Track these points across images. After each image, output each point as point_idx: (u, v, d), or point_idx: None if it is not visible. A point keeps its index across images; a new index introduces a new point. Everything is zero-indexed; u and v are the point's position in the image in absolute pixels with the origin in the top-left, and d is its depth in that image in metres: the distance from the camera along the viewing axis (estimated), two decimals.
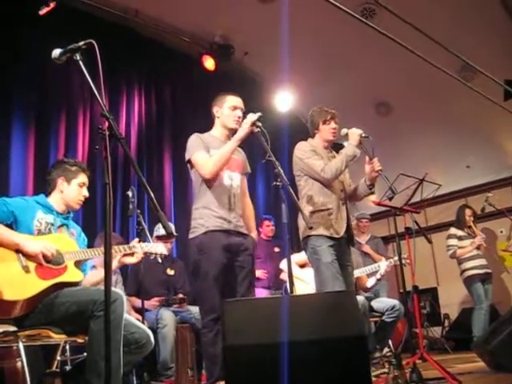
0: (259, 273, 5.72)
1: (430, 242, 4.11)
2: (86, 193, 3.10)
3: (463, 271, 6.16)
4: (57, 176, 3.05)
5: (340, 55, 6.92)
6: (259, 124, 3.18)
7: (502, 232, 7.93)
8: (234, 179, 3.48)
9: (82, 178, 3.09)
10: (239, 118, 3.44)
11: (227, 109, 3.49)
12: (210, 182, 3.40)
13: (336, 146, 3.97)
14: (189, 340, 4.73)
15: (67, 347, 3.98)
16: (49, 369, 3.64)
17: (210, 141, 3.48)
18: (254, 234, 3.59)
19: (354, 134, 3.65)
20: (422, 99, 7.32)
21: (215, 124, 3.60)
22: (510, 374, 3.60)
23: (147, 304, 4.57)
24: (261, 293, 5.68)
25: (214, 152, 3.39)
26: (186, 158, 3.47)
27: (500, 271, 7.62)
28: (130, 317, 2.88)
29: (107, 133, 2.04)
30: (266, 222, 6.26)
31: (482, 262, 6.13)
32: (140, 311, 4.40)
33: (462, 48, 5.81)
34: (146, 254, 3.18)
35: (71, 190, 3.04)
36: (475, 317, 5.96)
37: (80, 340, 2.84)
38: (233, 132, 3.43)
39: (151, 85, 6.74)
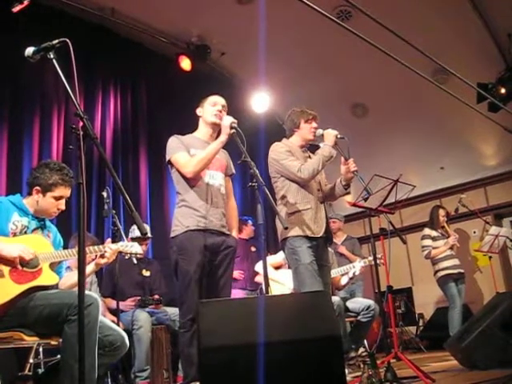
0: (236, 273, 5.69)
1: (404, 242, 4.15)
2: (62, 206, 2.96)
3: (437, 271, 6.23)
4: (34, 184, 2.90)
5: (316, 57, 6.96)
6: (235, 125, 3.21)
7: (474, 233, 8.06)
8: (216, 179, 3.50)
9: (60, 191, 2.92)
10: (219, 111, 3.49)
11: (208, 105, 3.55)
12: (192, 182, 3.41)
13: (312, 148, 3.98)
14: (164, 341, 4.69)
15: (40, 350, 3.92)
16: (21, 372, 3.58)
17: (191, 142, 3.51)
18: (234, 234, 3.61)
19: (330, 134, 3.68)
20: (397, 101, 7.40)
21: (199, 125, 3.64)
22: (481, 372, 3.66)
23: (122, 305, 4.53)
24: (237, 293, 5.66)
25: (194, 151, 3.42)
26: (167, 158, 3.49)
27: (473, 271, 7.75)
28: (105, 319, 2.85)
29: (81, 132, 2.02)
30: (251, 222, 6.27)
31: (455, 262, 6.21)
32: (115, 312, 4.37)
33: (436, 51, 5.89)
34: (120, 253, 3.15)
35: (45, 202, 2.90)
36: (450, 316, 6.04)
37: (53, 342, 2.80)
38: (216, 129, 3.46)
39: (127, 85, 6.68)
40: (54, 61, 2.16)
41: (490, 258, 6.80)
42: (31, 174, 2.97)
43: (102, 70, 6.35)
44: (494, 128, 7.24)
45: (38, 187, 2.90)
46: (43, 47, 2.18)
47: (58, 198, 2.92)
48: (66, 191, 2.95)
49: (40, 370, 3.74)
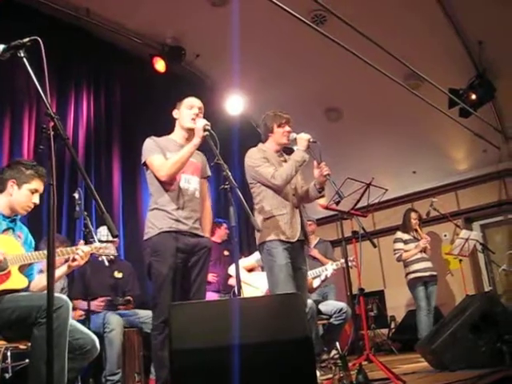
0: (209, 276, 5.67)
1: (374, 246, 4.19)
2: (36, 200, 2.97)
3: (407, 274, 6.30)
4: (9, 177, 2.91)
5: (291, 60, 6.98)
6: (208, 127, 3.21)
7: (445, 236, 8.18)
8: (191, 183, 3.49)
9: (36, 184, 2.95)
10: (195, 115, 3.47)
11: (184, 108, 3.53)
12: (166, 185, 3.39)
13: (287, 150, 4.01)
14: (136, 344, 4.64)
15: (8, 354, 3.84)
16: None
17: (167, 144, 3.49)
18: (207, 236, 3.59)
19: (303, 139, 3.70)
20: (371, 105, 7.47)
21: (175, 127, 3.62)
22: (451, 373, 3.71)
23: (93, 305, 4.45)
24: (211, 296, 5.63)
25: (170, 155, 3.40)
26: (142, 160, 3.47)
27: (444, 274, 7.86)
28: (76, 322, 2.81)
29: (52, 133, 1.99)
30: (225, 225, 6.25)
31: (427, 264, 6.28)
32: (86, 314, 4.30)
33: (409, 57, 5.98)
34: (92, 255, 3.11)
35: (21, 194, 2.91)
36: (418, 319, 6.11)
37: (22, 346, 2.76)
38: (192, 132, 3.44)
39: (100, 85, 6.61)
40: (25, 59, 2.13)
41: (461, 261, 6.90)
42: (3, 172, 2.95)
43: (76, 70, 6.27)
44: (464, 133, 7.38)
45: (13, 179, 2.91)
46: (13, 45, 2.14)
47: (33, 192, 2.94)
48: (40, 185, 2.98)
49: (7, 375, 3.67)
